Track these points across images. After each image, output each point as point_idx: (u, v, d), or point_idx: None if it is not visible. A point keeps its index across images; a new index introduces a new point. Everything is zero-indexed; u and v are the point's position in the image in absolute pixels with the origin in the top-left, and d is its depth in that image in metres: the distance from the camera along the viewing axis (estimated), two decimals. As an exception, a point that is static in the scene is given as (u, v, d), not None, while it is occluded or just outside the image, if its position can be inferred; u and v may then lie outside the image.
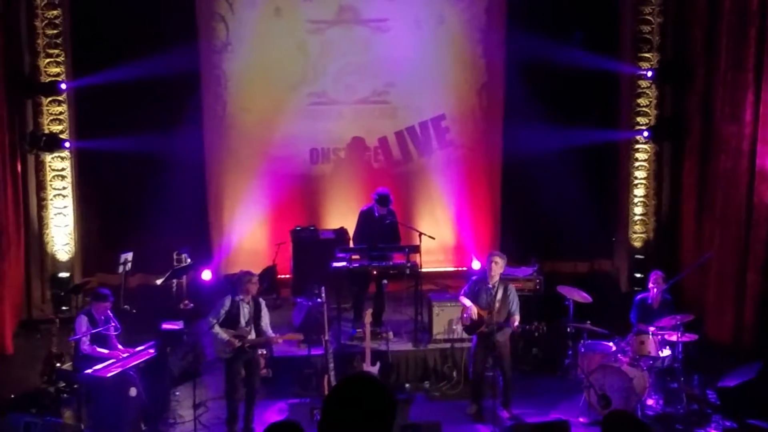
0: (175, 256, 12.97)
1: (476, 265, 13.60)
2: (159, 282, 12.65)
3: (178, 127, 13.46)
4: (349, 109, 14.44)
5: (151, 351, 10.37)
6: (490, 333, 10.39)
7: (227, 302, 10.09)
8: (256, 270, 12.95)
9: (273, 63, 14.19)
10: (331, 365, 10.53)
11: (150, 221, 13.27)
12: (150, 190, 13.37)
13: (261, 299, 10.38)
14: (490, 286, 10.50)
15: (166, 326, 11.48)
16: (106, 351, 10.17)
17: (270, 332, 10.32)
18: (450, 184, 14.54)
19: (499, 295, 10.48)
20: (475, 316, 10.46)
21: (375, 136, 14.55)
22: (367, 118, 14.49)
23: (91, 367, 9.77)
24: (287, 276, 13.76)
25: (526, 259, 13.35)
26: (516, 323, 10.41)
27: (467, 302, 10.53)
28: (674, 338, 10.36)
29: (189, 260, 13.05)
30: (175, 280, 12.92)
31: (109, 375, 9.66)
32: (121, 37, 13.29)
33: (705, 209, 12.91)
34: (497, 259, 10.54)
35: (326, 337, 10.65)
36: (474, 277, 10.89)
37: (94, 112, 13.48)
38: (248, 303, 10.14)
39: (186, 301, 12.96)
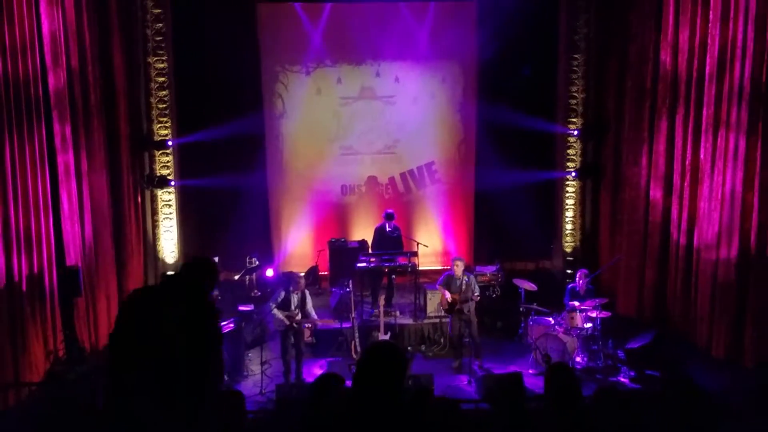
0: (247, 259, 13.00)
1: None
2: (237, 277, 12.71)
3: (249, 170, 13.49)
4: (368, 157, 14.45)
5: (232, 325, 10.42)
6: (460, 309, 10.49)
7: (282, 292, 10.18)
8: (303, 269, 13.23)
9: (315, 126, 14.23)
10: (356, 335, 10.68)
11: (230, 235, 13.34)
12: (230, 214, 13.46)
13: (307, 291, 10.40)
14: (457, 277, 10.59)
15: (241, 308, 11.53)
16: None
17: (314, 315, 10.32)
18: (438, 209, 14.54)
19: (464, 283, 10.56)
20: (450, 299, 10.52)
21: (386, 176, 14.54)
22: (381, 164, 14.49)
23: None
24: (326, 273, 13.76)
25: (491, 260, 13.43)
26: (477, 296, 10.52)
27: (445, 291, 10.59)
28: (595, 315, 10.43)
29: (257, 262, 13.06)
30: (248, 276, 12.94)
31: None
32: (210, 107, 13.34)
33: (615, 226, 12.92)
34: (458, 263, 10.69)
35: (353, 315, 10.79)
36: (445, 273, 10.90)
37: (192, 160, 13.55)
38: (296, 293, 10.20)
39: (255, 291, 12.97)
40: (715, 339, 10.25)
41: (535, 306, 11.08)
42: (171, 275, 7.44)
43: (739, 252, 9.86)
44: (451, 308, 10.62)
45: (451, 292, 10.58)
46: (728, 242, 9.99)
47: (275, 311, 10.06)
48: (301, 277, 10.39)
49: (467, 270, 11.07)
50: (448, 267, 13.25)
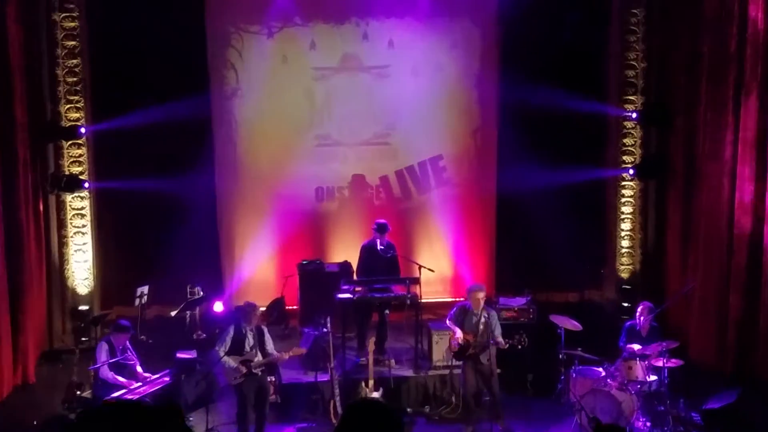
0: (188, 289, 12.92)
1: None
2: (174, 314, 12.63)
3: (191, 168, 13.47)
4: (352, 151, 14.46)
5: (167, 379, 10.39)
6: (476, 354, 10.47)
7: (231, 331, 10.19)
8: (265, 302, 13.17)
9: (281, 108, 14.23)
10: (337, 391, 10.61)
11: (165, 256, 13.27)
12: (165, 227, 13.41)
13: (264, 326, 10.41)
14: (474, 312, 10.60)
15: (180, 355, 11.41)
16: (123, 380, 10.17)
17: (274, 352, 10.34)
18: (447, 220, 14.54)
19: (483, 320, 10.56)
20: (461, 341, 10.50)
21: (376, 175, 14.56)
22: (369, 159, 14.51)
23: (109, 395, 9.72)
24: (295, 307, 13.71)
25: (520, 290, 13.29)
26: (500, 341, 10.46)
27: (456, 329, 10.58)
28: (660, 364, 10.36)
29: (202, 293, 13.00)
30: (188, 312, 12.86)
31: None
32: (136, 84, 13.32)
33: (688, 242, 12.90)
34: (478, 293, 10.69)
35: (332, 365, 10.72)
36: (459, 304, 10.89)
37: (112, 155, 13.51)
38: (251, 330, 10.23)
39: (199, 332, 12.90)
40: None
41: (579, 352, 11.02)
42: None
43: None
44: (462, 352, 10.57)
45: (464, 331, 10.53)
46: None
47: (225, 358, 10.00)
48: (253, 306, 10.40)
49: (487, 304, 11.01)
50: (462, 299, 13.20)
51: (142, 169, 13.17)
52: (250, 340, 10.15)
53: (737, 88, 11.64)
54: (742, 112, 11.57)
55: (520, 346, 10.50)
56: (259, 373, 10.15)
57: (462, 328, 10.60)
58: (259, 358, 10.12)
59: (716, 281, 12.03)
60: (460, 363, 10.88)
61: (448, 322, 10.79)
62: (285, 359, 10.49)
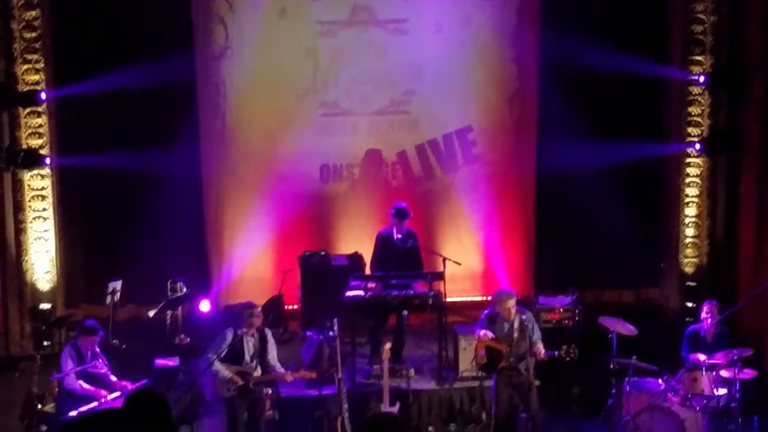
0: (169, 285, 13.00)
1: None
2: (151, 314, 12.72)
3: (172, 141, 13.54)
4: (364, 121, 14.52)
5: None
6: (511, 367, 10.50)
7: (229, 336, 10.21)
8: (260, 300, 13.02)
9: (278, 70, 14.27)
10: (345, 406, 10.57)
11: (141, 246, 13.38)
12: (141, 212, 13.43)
13: (267, 330, 10.46)
14: (505, 319, 10.62)
15: (159, 363, 11.52)
16: (92, 388, 10.21)
17: (279, 368, 10.42)
18: (477, 204, 14.58)
19: (516, 325, 10.58)
20: (487, 343, 10.50)
21: (393, 150, 14.62)
22: (385, 131, 14.57)
23: (76, 408, 9.81)
24: (295, 307, 13.82)
25: (563, 287, 13.44)
26: (541, 352, 10.48)
27: (482, 334, 10.58)
28: (731, 375, 10.36)
29: (185, 289, 13.07)
30: (169, 312, 12.94)
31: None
32: (107, 42, 13.38)
33: (765, 231, 12.94)
34: (507, 300, 10.60)
35: (339, 375, 10.66)
36: (487, 310, 10.92)
37: (79, 126, 13.60)
38: (252, 336, 10.26)
39: (182, 336, 12.96)
40: None
41: (634, 361, 11.06)
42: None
43: None
44: (491, 365, 10.63)
45: (497, 341, 10.58)
46: None
47: (217, 366, 10.07)
48: (255, 309, 10.44)
49: (523, 305, 11.05)
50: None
51: (113, 142, 13.22)
52: (249, 348, 10.20)
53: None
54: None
55: (568, 359, 10.51)
56: (256, 389, 10.22)
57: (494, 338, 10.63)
58: (258, 371, 10.19)
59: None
60: (489, 376, 10.94)
61: (477, 330, 10.77)
62: (288, 380, 10.53)
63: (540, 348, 10.50)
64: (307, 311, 13.39)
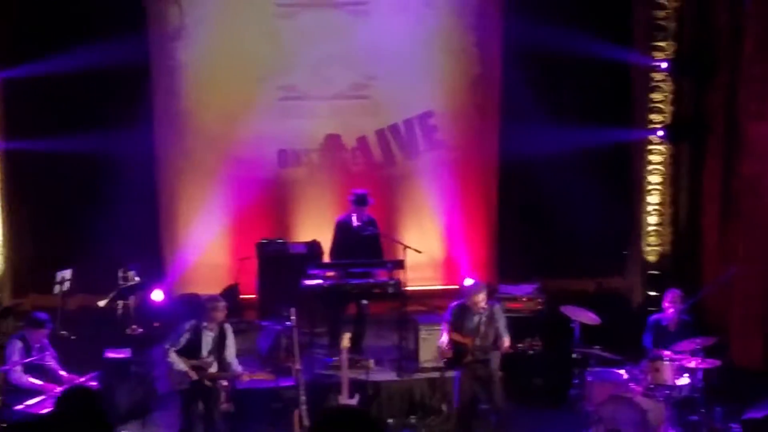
0: (120, 274, 12.81)
1: (469, 283, 13.60)
2: (102, 303, 12.59)
3: (124, 125, 13.47)
4: (324, 105, 14.52)
5: (94, 384, 10.28)
6: (476, 361, 10.54)
7: (189, 329, 10.18)
8: (216, 289, 13.11)
9: (236, 52, 14.25)
10: (303, 398, 10.56)
11: (92, 233, 13.32)
12: (92, 198, 13.44)
13: (228, 325, 10.43)
14: (475, 311, 10.60)
15: (110, 355, 11.44)
16: (40, 382, 10.14)
17: (236, 365, 10.39)
18: (439, 191, 14.61)
19: (485, 318, 10.59)
20: (449, 340, 10.52)
21: (353, 135, 14.63)
22: (345, 115, 14.57)
23: (22, 402, 9.77)
24: (252, 296, 13.77)
25: (526, 276, 13.49)
26: (506, 344, 10.53)
27: (444, 333, 10.61)
28: (694, 364, 10.45)
29: (137, 278, 12.91)
30: (120, 302, 12.76)
31: (44, 412, 9.57)
32: (58, 23, 13.32)
33: (729, 218, 13.04)
34: (478, 293, 10.59)
35: (297, 366, 10.69)
36: (456, 302, 10.89)
37: (27, 108, 13.53)
38: (212, 330, 10.23)
39: (134, 326, 12.71)
40: None
41: (596, 350, 11.14)
42: None
43: None
44: (457, 360, 10.66)
45: (462, 333, 10.62)
46: None
47: (173, 358, 10.07)
48: (219, 302, 10.42)
49: (491, 297, 11.12)
50: (456, 287, 13.21)
51: (64, 126, 13.16)
52: (208, 344, 10.17)
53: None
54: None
55: (531, 351, 10.59)
56: (210, 386, 10.20)
57: (461, 331, 10.61)
58: (215, 368, 10.17)
59: (762, 269, 12.18)
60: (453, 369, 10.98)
61: (444, 324, 10.80)
62: (244, 380, 10.52)
63: (506, 341, 10.53)
64: (264, 300, 13.39)
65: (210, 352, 10.18)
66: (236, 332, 11.21)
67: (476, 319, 10.59)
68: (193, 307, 11.34)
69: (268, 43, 14.31)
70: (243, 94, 14.32)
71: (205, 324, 10.21)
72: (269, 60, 14.34)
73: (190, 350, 10.13)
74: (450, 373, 11.29)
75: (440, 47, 14.53)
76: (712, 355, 10.71)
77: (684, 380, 10.55)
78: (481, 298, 10.60)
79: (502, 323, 10.67)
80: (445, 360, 10.80)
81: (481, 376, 10.61)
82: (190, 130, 14.32)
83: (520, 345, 10.51)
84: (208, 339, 10.19)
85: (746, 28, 12.48)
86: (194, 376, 10.03)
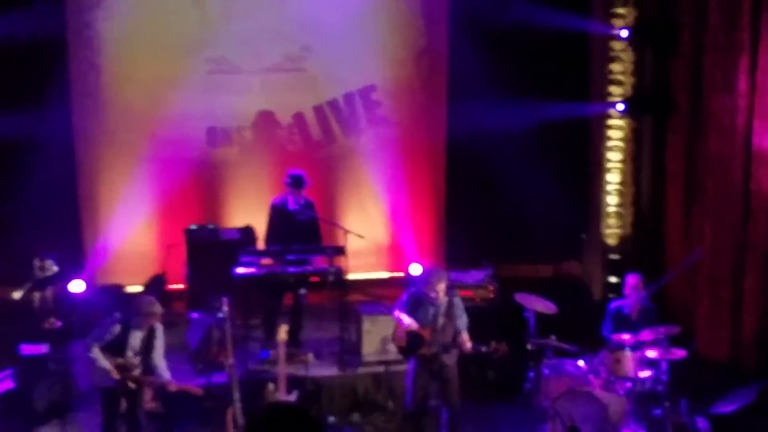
0: (37, 263, 12.70)
1: (415, 270, 13.63)
2: (17, 296, 12.49)
3: (39, 101, 13.35)
4: (256, 79, 14.46)
5: (10, 383, 10.36)
6: (433, 355, 10.44)
7: (115, 325, 10.00)
8: (142, 279, 13.26)
9: (161, 22, 14.14)
10: (237, 396, 10.46)
11: (6, 219, 13.31)
12: (5, 181, 13.42)
13: (159, 325, 10.24)
14: (432, 303, 10.51)
15: (27, 350, 11.37)
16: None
17: (163, 368, 10.19)
18: (383, 170, 14.67)
19: (443, 309, 10.51)
20: (411, 329, 10.42)
21: (289, 111, 14.61)
22: (280, 90, 14.55)
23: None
24: (180, 286, 13.76)
25: (477, 261, 13.53)
26: (467, 343, 10.42)
27: (405, 318, 10.52)
28: (657, 355, 10.48)
29: (55, 268, 12.79)
30: (37, 293, 12.71)
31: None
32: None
33: (694, 198, 13.09)
34: (439, 280, 10.42)
35: (230, 362, 10.58)
36: (413, 288, 10.84)
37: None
38: (140, 330, 10.05)
39: (52, 319, 12.67)
40: None
41: (553, 341, 11.16)
42: None
43: None
44: (411, 349, 10.57)
45: (419, 323, 10.51)
46: None
47: (96, 354, 9.87)
48: (156, 306, 10.23)
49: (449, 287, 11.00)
50: (402, 274, 13.25)
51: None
52: (135, 344, 10.01)
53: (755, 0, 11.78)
54: (763, 30, 11.68)
55: (496, 357, 10.50)
56: (134, 387, 10.03)
57: (415, 319, 10.51)
58: (140, 371, 10.01)
59: (729, 254, 12.22)
60: (400, 358, 10.93)
61: (396, 312, 10.70)
62: (171, 389, 10.28)
63: (465, 338, 10.44)
64: (193, 291, 13.36)
65: (136, 353, 10.01)
66: (164, 326, 11.11)
67: (433, 310, 10.49)
68: (116, 299, 11.20)
69: (196, 13, 14.22)
70: (168, 67, 14.21)
71: (133, 323, 10.01)
72: (197, 31, 14.26)
73: (115, 348, 9.94)
74: (396, 368, 11.35)
75: (383, 16, 14.54)
76: (676, 344, 10.70)
77: (647, 372, 10.59)
78: (442, 286, 10.49)
79: (463, 320, 10.59)
80: (399, 346, 10.73)
81: (437, 374, 10.54)
82: (111, 108, 14.20)
83: (484, 348, 10.41)
84: (135, 338, 10.01)
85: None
86: (117, 376, 9.87)
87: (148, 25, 14.13)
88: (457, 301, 10.66)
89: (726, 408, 10.43)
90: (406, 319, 10.46)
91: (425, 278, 10.71)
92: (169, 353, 10.65)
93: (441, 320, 10.45)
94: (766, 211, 11.81)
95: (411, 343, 10.51)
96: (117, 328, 9.96)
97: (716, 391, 10.80)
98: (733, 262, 12.18)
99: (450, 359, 10.48)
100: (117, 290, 13.25)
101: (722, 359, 12.19)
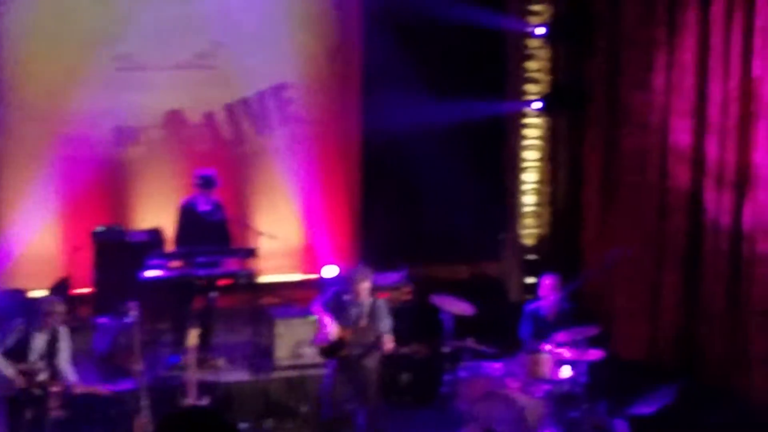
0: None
1: (329, 272, 13.62)
2: None
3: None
4: (164, 76, 14.32)
5: None
6: (353, 357, 10.51)
7: (17, 329, 9.94)
8: (46, 283, 13.06)
9: (63, 15, 13.94)
10: (145, 403, 10.44)
11: None
12: None
13: (63, 328, 10.17)
14: (356, 303, 10.61)
15: None
16: None
17: (69, 371, 10.14)
18: (296, 170, 14.58)
19: (366, 310, 10.59)
20: (334, 336, 10.51)
21: (199, 110, 14.50)
22: (189, 88, 14.45)
23: None
24: (86, 290, 13.56)
25: (392, 262, 13.50)
26: (389, 344, 10.50)
27: (326, 320, 10.56)
28: (576, 356, 10.61)
29: (-48, 272, 12.75)
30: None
31: None
32: None
33: (611, 196, 13.23)
34: (363, 279, 10.56)
35: (138, 368, 10.57)
36: (334, 289, 10.91)
37: None
38: (44, 333, 9.98)
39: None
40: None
41: (470, 343, 11.22)
42: None
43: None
44: (332, 351, 10.63)
45: (340, 324, 10.56)
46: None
47: (-1, 360, 9.82)
48: (56, 305, 10.18)
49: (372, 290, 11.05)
50: (316, 276, 13.25)
51: None
52: (38, 347, 9.93)
53: (672, -5, 11.96)
54: (677, 26, 11.88)
55: (417, 358, 10.64)
56: (39, 394, 9.96)
57: (337, 319, 10.58)
58: (44, 375, 9.94)
59: (647, 252, 12.40)
60: (315, 362, 10.98)
61: (315, 307, 10.77)
62: (76, 392, 10.27)
63: (388, 342, 10.51)
64: (100, 295, 13.20)
65: (41, 357, 9.94)
66: (70, 330, 11.02)
67: (355, 311, 10.57)
68: (18, 304, 11.02)
69: (101, 6, 14.03)
70: (72, 63, 13.98)
71: (35, 325, 9.95)
72: (101, 25, 14.03)
73: (18, 353, 9.89)
74: (310, 372, 11.40)
75: (295, 11, 14.53)
76: (594, 345, 10.86)
77: (565, 374, 10.69)
78: (366, 285, 10.59)
79: (387, 322, 10.66)
80: (319, 349, 10.76)
81: (356, 374, 10.61)
82: (11, 105, 13.93)
83: (404, 350, 10.52)
84: (38, 342, 9.97)
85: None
86: (21, 382, 9.79)
87: (50, 17, 13.90)
88: (381, 303, 10.76)
89: (645, 409, 10.60)
90: (327, 322, 10.51)
91: (348, 277, 10.79)
92: (75, 359, 10.63)
93: (363, 321, 10.54)
94: (682, 208, 11.98)
95: (331, 345, 10.56)
96: (18, 333, 9.92)
97: (635, 391, 10.96)
98: (651, 261, 12.36)
99: (371, 361, 10.55)
100: (19, 295, 12.91)
101: (641, 359, 12.33)
